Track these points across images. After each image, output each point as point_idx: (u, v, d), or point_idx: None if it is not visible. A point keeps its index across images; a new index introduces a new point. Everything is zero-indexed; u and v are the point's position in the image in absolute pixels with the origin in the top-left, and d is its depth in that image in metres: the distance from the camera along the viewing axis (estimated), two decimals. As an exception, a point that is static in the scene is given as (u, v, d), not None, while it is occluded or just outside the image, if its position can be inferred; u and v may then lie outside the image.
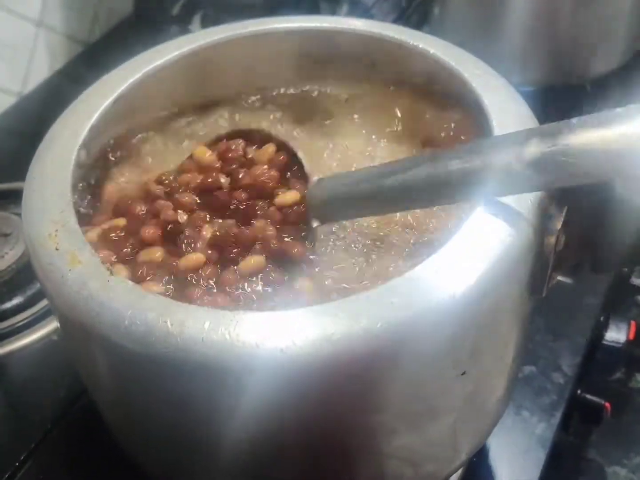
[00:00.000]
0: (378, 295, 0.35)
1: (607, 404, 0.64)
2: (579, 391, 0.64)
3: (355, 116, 0.53)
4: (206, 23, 0.99)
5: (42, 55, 0.95)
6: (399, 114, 0.52)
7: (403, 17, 0.93)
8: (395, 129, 0.52)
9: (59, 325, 0.43)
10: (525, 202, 0.39)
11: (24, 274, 0.67)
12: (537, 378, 0.63)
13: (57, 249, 0.39)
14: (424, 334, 0.35)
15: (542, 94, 0.77)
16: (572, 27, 0.79)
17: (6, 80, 0.91)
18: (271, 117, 0.54)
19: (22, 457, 0.56)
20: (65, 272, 0.38)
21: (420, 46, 0.49)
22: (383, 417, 0.39)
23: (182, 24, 1.00)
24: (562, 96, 0.83)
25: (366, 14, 0.95)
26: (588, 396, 0.65)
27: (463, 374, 0.39)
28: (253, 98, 0.55)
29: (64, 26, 0.97)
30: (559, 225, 0.40)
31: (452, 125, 0.50)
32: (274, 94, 0.55)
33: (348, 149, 0.51)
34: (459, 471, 0.54)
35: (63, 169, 0.43)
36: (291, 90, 0.56)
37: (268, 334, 0.34)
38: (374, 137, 0.51)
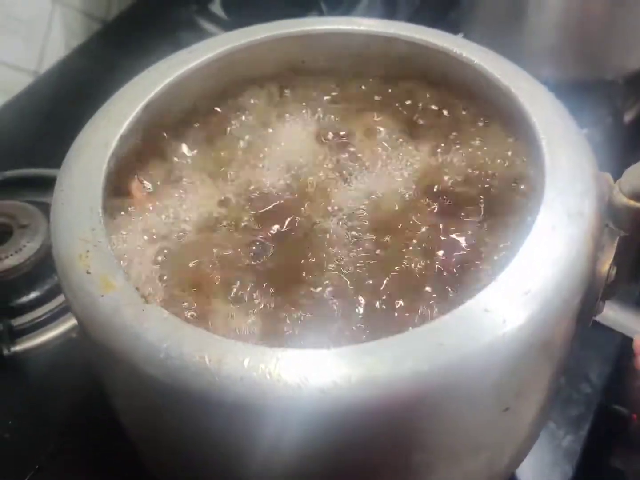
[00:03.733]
0: (425, 334, 0.34)
1: (634, 415, 0.63)
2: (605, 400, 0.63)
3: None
4: (227, 2, 0.97)
5: (58, 33, 0.92)
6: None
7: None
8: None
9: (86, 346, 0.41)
10: (576, 233, 0.37)
11: (42, 267, 0.65)
12: (565, 389, 0.62)
13: (88, 272, 0.37)
14: (471, 377, 0.34)
15: (574, 90, 0.75)
16: (607, 22, 0.76)
17: (22, 58, 0.88)
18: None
19: (39, 463, 0.55)
20: (96, 298, 0.36)
21: (464, 55, 0.47)
22: (423, 456, 0.37)
23: (202, 2, 0.97)
24: (594, 92, 0.80)
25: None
26: (615, 407, 0.63)
27: (506, 410, 0.38)
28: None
29: (81, 2, 0.94)
30: (611, 256, 0.39)
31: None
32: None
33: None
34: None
35: (93, 182, 0.41)
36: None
37: (310, 374, 0.33)
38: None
